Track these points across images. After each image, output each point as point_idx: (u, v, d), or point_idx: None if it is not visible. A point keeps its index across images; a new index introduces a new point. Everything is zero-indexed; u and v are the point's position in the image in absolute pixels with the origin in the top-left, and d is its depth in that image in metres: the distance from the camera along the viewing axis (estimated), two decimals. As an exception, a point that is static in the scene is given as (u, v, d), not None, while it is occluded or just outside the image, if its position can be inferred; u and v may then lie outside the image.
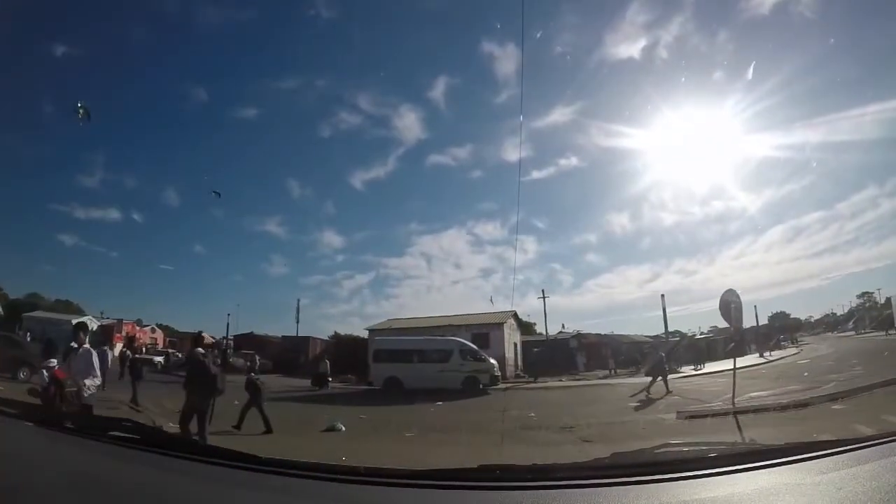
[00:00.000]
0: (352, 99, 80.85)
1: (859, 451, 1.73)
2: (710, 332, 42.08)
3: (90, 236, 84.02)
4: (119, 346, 48.31)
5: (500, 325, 36.48)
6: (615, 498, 1.45)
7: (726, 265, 64.37)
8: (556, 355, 35.02)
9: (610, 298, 79.76)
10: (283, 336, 43.73)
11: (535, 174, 67.41)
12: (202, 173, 77.53)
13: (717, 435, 8.22)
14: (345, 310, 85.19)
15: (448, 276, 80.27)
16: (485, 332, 33.66)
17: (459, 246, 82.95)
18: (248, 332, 46.19)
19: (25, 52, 65.38)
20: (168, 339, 53.04)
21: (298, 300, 45.79)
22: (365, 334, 39.40)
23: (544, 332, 41.85)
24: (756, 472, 1.60)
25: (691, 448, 2.03)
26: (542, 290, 40.31)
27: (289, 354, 41.69)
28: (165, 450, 1.95)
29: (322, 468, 1.75)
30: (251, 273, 79.80)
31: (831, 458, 1.69)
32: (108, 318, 49.87)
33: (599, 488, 1.52)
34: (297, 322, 44.94)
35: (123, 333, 48.72)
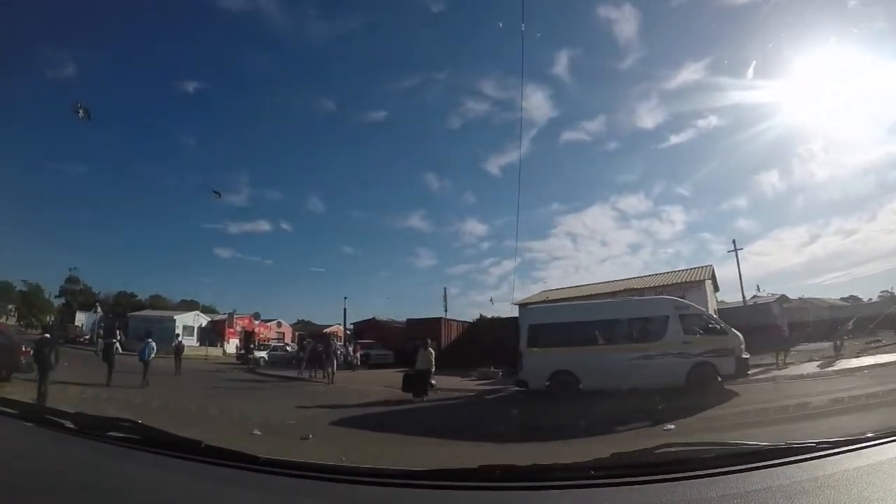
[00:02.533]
0: (475, 86, 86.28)
1: (860, 451, 1.83)
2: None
3: (244, 248, 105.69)
4: (234, 341, 45.42)
5: (699, 284, 29.17)
6: (616, 498, 1.56)
7: (890, 220, 60.28)
8: (757, 325, 24.76)
9: (765, 267, 78.37)
10: (409, 319, 38.57)
11: (673, 139, 69.30)
12: (341, 179, 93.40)
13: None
14: (493, 296, 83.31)
15: (595, 255, 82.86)
16: (678, 295, 24.78)
17: (604, 222, 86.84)
18: (370, 318, 43.02)
19: (160, 92, 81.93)
20: (297, 333, 54.27)
21: (445, 289, 49.07)
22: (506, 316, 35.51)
23: (742, 297, 36.43)
24: (757, 472, 1.66)
25: (692, 448, 2.05)
26: (734, 242, 35.93)
27: (414, 342, 32.17)
28: (165, 450, 2.06)
29: (322, 468, 1.83)
30: (399, 268, 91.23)
31: (832, 458, 1.78)
32: (223, 314, 52.65)
33: (600, 488, 1.62)
34: (445, 311, 42.37)
35: (238, 328, 50.30)
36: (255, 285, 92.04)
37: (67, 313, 54.42)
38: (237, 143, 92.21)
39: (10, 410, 2.55)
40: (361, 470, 1.81)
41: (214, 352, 43.76)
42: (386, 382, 19.62)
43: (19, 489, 1.62)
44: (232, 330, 48.62)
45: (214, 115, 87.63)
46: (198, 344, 45.35)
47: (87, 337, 40.41)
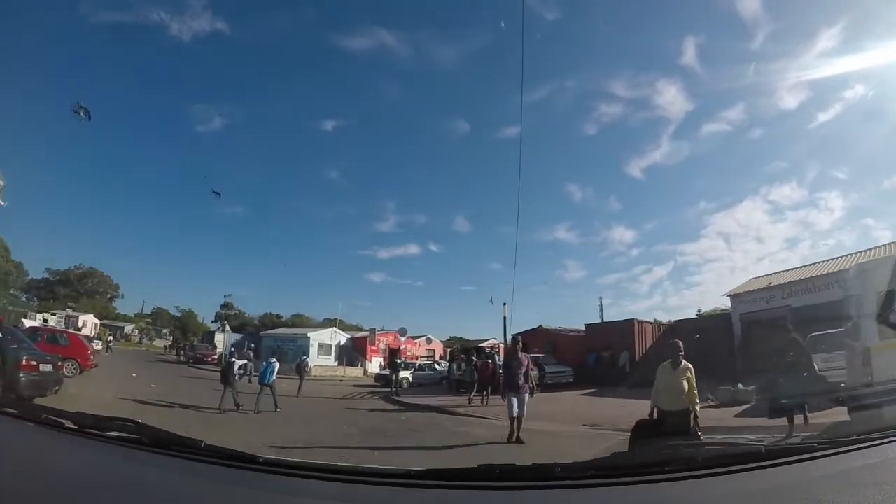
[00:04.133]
0: (606, 89, 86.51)
1: (860, 451, 1.89)
2: None
3: (395, 271, 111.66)
4: (377, 360, 46.21)
5: None
6: (615, 498, 1.65)
7: None
8: None
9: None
10: (589, 324, 32.99)
11: (821, 116, 61.54)
12: (484, 197, 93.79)
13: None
14: (646, 306, 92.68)
15: (751, 254, 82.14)
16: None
17: (756, 217, 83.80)
18: (536, 326, 35.94)
19: (305, 132, 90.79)
20: (448, 349, 52.23)
21: (601, 298, 45.34)
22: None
23: None
24: (756, 472, 1.71)
25: (692, 448, 2.17)
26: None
27: (597, 354, 29.13)
28: (165, 450, 2.13)
29: (322, 468, 1.89)
30: (548, 281, 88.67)
31: (832, 458, 1.85)
32: (365, 330, 52.51)
33: (600, 488, 1.68)
34: (601, 322, 37.86)
35: (382, 345, 47.88)
36: (407, 307, 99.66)
37: (208, 335, 55.76)
38: (381, 172, 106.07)
39: (10, 410, 2.61)
40: (361, 470, 1.88)
41: (353, 372, 42.85)
42: (586, 418, 13.70)
43: (19, 489, 1.66)
44: (374, 347, 46.22)
45: (357, 149, 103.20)
46: (336, 363, 42.18)
47: (215, 357, 37.75)
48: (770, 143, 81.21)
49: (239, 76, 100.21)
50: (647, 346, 29.13)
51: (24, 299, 66.58)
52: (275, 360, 17.77)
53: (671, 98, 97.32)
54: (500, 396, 14.07)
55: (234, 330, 60.95)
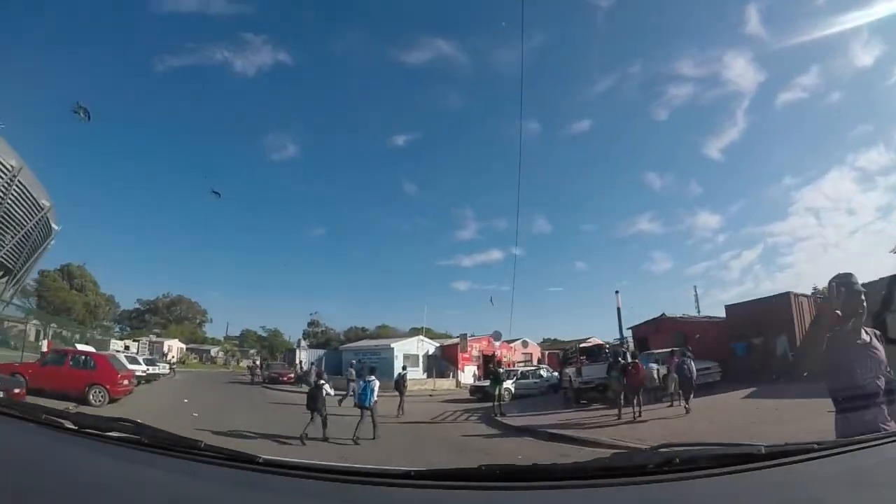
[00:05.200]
0: (671, 70, 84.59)
1: (860, 452, 1.95)
2: None
3: (480, 277, 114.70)
4: (470, 369, 42.12)
5: None
6: (616, 498, 1.68)
7: None
8: None
9: None
10: (729, 306, 26.86)
11: None
12: (562, 196, 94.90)
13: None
14: (738, 293, 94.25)
15: (843, 228, 79.02)
16: None
17: (845, 187, 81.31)
18: (658, 315, 31.64)
19: (377, 147, 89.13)
20: (545, 352, 48.82)
21: (695, 287, 47.31)
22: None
23: None
24: (756, 472, 1.74)
25: (691, 448, 2.06)
26: None
27: (748, 343, 23.22)
28: (165, 450, 2.15)
29: (322, 468, 1.92)
30: (633, 276, 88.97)
31: (832, 458, 1.88)
32: (454, 337, 48.01)
33: (600, 488, 1.73)
34: (698, 313, 37.14)
35: (475, 352, 44.08)
36: (494, 312, 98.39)
37: (288, 352, 54.32)
38: (456, 181, 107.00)
39: (10, 410, 2.60)
40: (361, 470, 1.90)
41: (444, 384, 39.73)
42: (798, 441, 8.48)
43: (19, 489, 1.65)
44: (466, 355, 42.88)
45: (430, 160, 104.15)
46: (424, 375, 38.86)
47: (291, 376, 34.53)
48: (850, 106, 78.78)
49: (310, 103, 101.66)
50: (808, 326, 23.41)
51: (116, 329, 71.29)
52: (373, 377, 15.59)
53: (740, 71, 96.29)
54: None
55: (319, 346, 60.71)
